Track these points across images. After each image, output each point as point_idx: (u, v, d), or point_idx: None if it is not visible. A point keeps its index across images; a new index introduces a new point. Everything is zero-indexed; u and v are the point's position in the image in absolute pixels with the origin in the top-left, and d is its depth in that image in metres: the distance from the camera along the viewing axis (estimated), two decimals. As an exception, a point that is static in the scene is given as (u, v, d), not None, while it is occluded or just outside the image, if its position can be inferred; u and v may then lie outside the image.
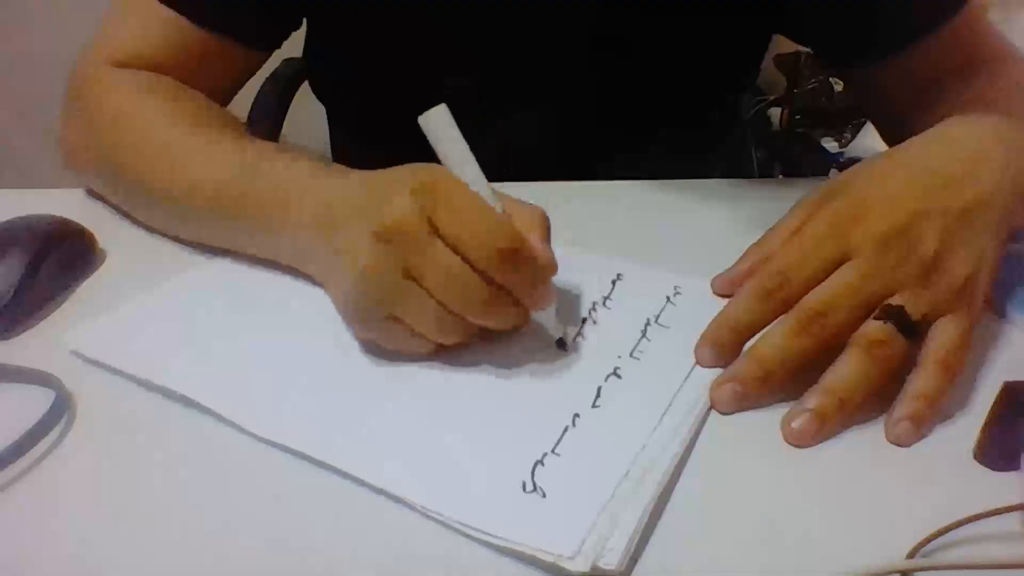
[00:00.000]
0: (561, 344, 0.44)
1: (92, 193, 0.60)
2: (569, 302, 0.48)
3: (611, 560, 0.32)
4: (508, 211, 0.41)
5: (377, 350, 0.44)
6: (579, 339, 0.45)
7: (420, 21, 0.62)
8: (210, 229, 0.52)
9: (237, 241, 0.51)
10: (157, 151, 0.53)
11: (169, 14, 0.58)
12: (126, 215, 0.57)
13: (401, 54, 0.65)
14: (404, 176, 0.41)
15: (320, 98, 0.79)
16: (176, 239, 0.54)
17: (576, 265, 0.51)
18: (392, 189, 0.40)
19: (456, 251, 0.39)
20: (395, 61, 0.65)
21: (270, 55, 0.66)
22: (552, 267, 0.42)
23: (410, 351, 0.43)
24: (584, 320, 0.47)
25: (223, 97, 0.64)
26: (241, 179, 0.49)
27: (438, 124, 0.41)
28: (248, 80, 0.67)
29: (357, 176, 0.45)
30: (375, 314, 0.41)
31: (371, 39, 0.65)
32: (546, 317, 0.43)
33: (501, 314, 0.41)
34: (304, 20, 0.68)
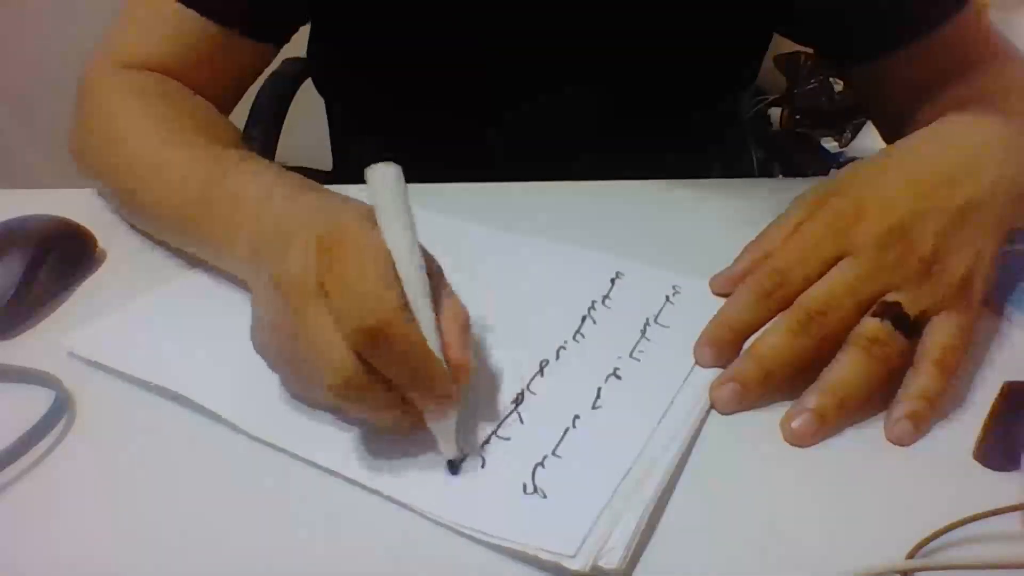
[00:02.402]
0: (452, 467, 0.37)
1: (95, 193, 0.60)
2: (568, 300, 0.48)
3: (612, 559, 0.32)
4: (439, 300, 0.37)
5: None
6: (579, 337, 0.45)
7: (424, 14, 0.63)
8: (180, 244, 0.52)
9: (204, 257, 0.50)
10: (129, 161, 0.53)
11: (177, 10, 0.58)
12: (126, 215, 0.57)
13: (405, 47, 0.65)
14: (319, 222, 0.38)
15: (322, 92, 0.79)
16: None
17: (575, 263, 0.51)
18: (301, 234, 0.37)
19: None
20: (399, 54, 0.65)
21: (278, 51, 0.66)
22: (461, 372, 0.36)
23: (313, 403, 0.40)
24: (583, 318, 0.47)
25: (231, 96, 0.64)
26: (197, 199, 0.48)
27: (384, 184, 0.36)
28: (256, 77, 0.67)
29: (297, 205, 0.42)
30: (274, 363, 0.39)
31: (375, 31, 0.65)
32: (441, 429, 0.36)
33: (374, 405, 0.36)
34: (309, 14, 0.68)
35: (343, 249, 0.35)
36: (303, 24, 0.68)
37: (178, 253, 0.52)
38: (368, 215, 0.37)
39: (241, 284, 0.47)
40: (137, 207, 0.54)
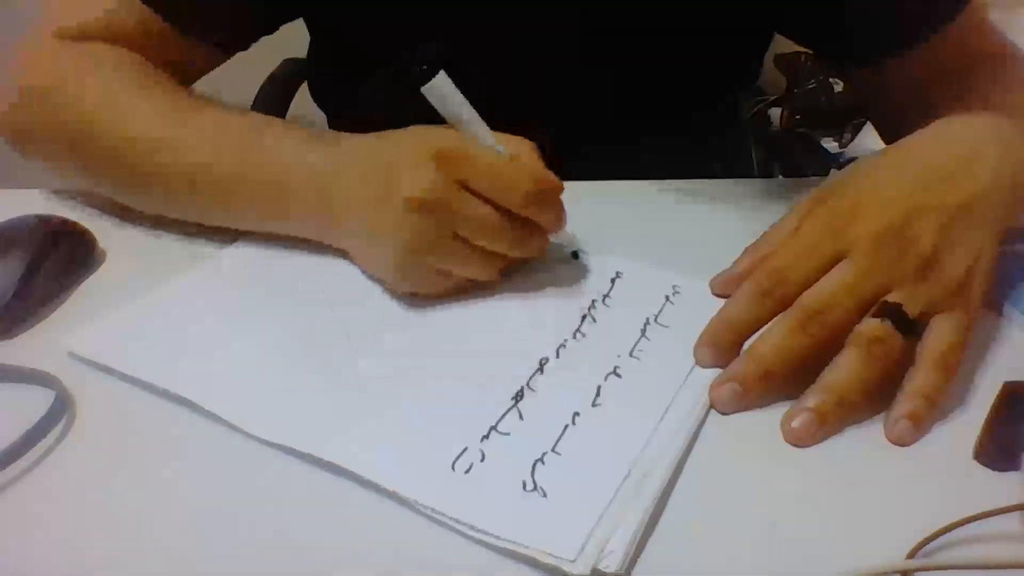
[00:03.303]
0: (575, 256, 0.52)
1: (86, 192, 0.59)
2: (568, 298, 0.48)
3: (611, 562, 0.32)
4: (510, 151, 0.46)
5: (378, 349, 0.44)
6: (579, 336, 0.45)
7: (423, 29, 0.62)
8: (209, 213, 0.53)
9: (242, 224, 0.52)
10: (143, 135, 0.52)
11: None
12: (125, 212, 0.57)
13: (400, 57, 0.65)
14: (418, 145, 0.45)
15: (323, 108, 0.79)
16: (175, 232, 0.54)
17: (575, 262, 0.52)
18: (410, 161, 0.44)
19: (489, 203, 0.44)
20: (391, 74, 0.65)
21: (230, 56, 0.64)
22: (561, 187, 0.46)
23: (448, 293, 0.48)
24: (584, 317, 0.47)
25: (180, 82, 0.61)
26: (237, 163, 0.50)
27: (443, 91, 0.44)
28: (207, 73, 0.64)
29: (353, 148, 0.48)
30: (424, 274, 0.46)
31: (373, 49, 0.65)
32: (563, 236, 0.50)
33: (532, 243, 0.47)
34: (280, 27, 0.66)
35: (463, 153, 0.44)
36: (265, 34, 0.66)
37: (178, 253, 0.52)
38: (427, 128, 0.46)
39: (300, 237, 0.51)
40: (153, 181, 0.53)
